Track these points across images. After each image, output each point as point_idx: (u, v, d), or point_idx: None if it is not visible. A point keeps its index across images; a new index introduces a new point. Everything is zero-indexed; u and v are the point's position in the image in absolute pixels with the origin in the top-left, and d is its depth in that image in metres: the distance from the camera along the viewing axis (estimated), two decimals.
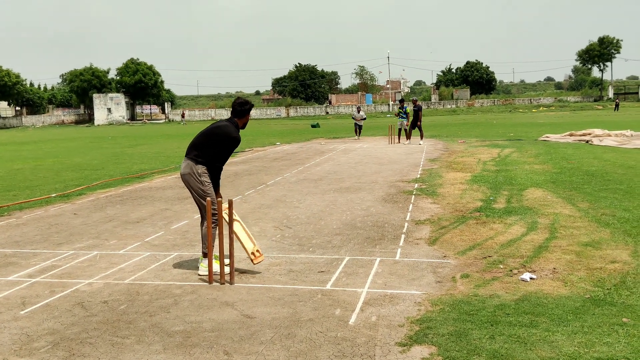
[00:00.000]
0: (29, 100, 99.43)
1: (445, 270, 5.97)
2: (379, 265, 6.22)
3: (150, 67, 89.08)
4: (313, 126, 48.53)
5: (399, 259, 6.47)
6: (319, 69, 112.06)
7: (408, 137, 24.86)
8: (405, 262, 6.32)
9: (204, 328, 4.61)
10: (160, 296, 5.44)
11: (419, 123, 24.45)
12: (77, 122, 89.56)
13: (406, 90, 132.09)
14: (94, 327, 4.68)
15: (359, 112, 29.61)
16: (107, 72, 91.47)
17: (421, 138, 24.50)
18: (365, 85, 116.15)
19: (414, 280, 5.66)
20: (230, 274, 5.76)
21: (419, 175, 13.54)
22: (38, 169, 18.40)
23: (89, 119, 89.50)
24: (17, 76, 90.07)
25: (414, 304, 4.98)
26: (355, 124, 29.10)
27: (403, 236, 7.52)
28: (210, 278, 5.80)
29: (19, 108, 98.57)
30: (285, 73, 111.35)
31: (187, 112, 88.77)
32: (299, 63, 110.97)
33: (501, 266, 5.98)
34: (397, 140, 25.26)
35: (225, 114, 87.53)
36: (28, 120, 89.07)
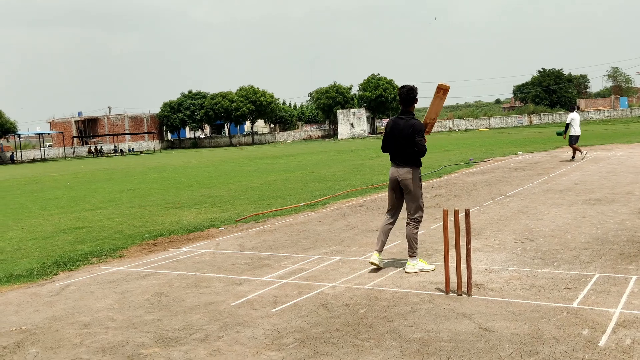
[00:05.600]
0: (281, 118, 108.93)
1: None
2: (634, 284, 5.61)
3: (390, 82, 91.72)
4: (559, 134, 45.22)
5: None
6: (565, 72, 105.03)
7: None
8: None
9: (440, 338, 4.58)
10: (397, 303, 5.54)
11: None
12: (322, 137, 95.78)
13: None
14: (336, 328, 4.94)
15: None
16: (350, 89, 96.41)
17: None
18: (619, 88, 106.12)
19: None
20: (468, 285, 5.65)
21: None
22: (289, 180, 20.04)
23: (333, 133, 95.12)
24: (272, 96, 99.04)
25: None
26: None
27: None
28: (447, 288, 5.76)
29: (273, 125, 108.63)
30: (528, 79, 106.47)
31: None
32: (542, 68, 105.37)
33: None
34: None
35: (463, 124, 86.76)
36: (280, 136, 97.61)
